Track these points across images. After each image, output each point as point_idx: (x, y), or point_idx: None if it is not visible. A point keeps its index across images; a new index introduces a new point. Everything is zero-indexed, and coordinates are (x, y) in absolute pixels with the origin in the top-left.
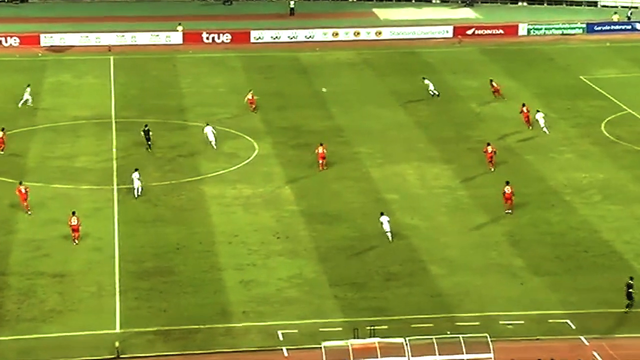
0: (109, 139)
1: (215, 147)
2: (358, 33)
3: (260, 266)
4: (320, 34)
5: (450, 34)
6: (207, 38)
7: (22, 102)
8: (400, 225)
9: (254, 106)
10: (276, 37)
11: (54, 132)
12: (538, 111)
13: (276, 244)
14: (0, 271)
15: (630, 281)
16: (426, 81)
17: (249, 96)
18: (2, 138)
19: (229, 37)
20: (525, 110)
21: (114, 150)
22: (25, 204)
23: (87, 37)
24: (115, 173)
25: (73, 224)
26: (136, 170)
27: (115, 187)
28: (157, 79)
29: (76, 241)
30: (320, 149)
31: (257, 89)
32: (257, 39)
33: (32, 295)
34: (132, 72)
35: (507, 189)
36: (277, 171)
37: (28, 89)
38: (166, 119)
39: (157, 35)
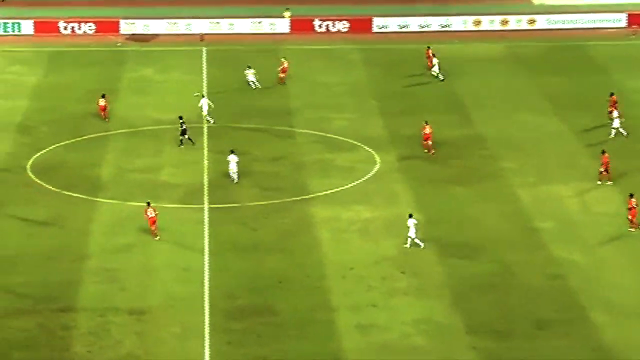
0: (200, 147)
1: (211, 121)
2: (506, 21)
3: (381, 307)
4: (458, 23)
5: (623, 23)
6: (320, 26)
7: (254, 84)
8: (555, 261)
9: (283, 76)
10: (404, 25)
11: (132, 138)
12: (615, 109)
13: (401, 280)
14: (67, 306)
15: None
16: (434, 60)
17: (285, 64)
18: (104, 105)
19: (347, 25)
20: (615, 99)
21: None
22: None
23: (175, 23)
24: (206, 189)
25: (150, 216)
26: (232, 152)
27: (206, 206)
28: (258, 75)
29: (156, 237)
30: (427, 129)
31: (379, 88)
32: (381, 28)
33: (104, 336)
34: (228, 67)
35: (634, 202)
36: (402, 190)
37: (251, 70)
38: (269, 124)
39: (260, 23)
